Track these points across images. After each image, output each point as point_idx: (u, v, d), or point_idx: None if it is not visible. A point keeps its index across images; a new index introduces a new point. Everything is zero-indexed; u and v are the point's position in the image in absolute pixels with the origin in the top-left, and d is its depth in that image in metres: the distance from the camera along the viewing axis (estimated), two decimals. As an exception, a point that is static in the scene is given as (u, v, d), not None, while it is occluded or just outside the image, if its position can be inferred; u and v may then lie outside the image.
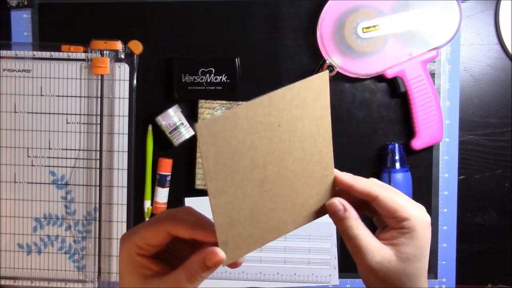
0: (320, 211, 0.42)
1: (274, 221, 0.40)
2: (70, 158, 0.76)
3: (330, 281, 0.76)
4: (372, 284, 0.39)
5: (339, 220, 0.39)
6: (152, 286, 0.37)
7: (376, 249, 0.38)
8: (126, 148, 0.75)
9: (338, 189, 0.42)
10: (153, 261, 0.38)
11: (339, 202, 0.40)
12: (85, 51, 0.74)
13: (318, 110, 0.40)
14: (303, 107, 0.39)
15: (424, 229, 0.39)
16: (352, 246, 0.39)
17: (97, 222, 0.76)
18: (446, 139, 0.74)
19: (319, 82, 0.40)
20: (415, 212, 0.39)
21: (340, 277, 0.76)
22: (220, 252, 0.36)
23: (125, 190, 0.76)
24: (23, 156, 0.76)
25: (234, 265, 0.38)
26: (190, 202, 0.76)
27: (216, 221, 0.37)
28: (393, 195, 0.39)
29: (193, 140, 0.74)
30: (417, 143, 0.71)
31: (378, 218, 0.42)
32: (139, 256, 0.38)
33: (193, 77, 0.73)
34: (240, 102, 0.73)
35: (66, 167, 0.76)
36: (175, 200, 0.76)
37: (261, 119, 0.37)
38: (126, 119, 0.75)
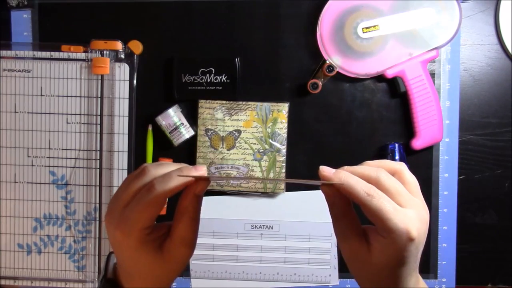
0: None
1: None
2: (70, 158, 0.76)
3: (330, 281, 0.76)
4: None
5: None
6: (168, 249, 0.39)
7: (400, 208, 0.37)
8: (126, 148, 0.75)
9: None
10: (155, 228, 0.40)
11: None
12: (85, 51, 0.74)
13: None
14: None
15: (403, 251, 0.37)
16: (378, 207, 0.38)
17: (97, 222, 0.76)
18: (446, 139, 0.74)
19: None
20: (399, 225, 0.36)
21: (340, 277, 0.76)
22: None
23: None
24: (23, 156, 0.76)
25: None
26: (190, 202, 0.76)
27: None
28: (380, 203, 0.37)
29: (193, 140, 0.74)
30: (417, 143, 0.71)
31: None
32: (148, 236, 0.39)
33: (193, 77, 0.73)
34: (240, 102, 0.73)
35: (66, 167, 0.76)
36: (175, 200, 0.76)
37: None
38: (126, 119, 0.75)
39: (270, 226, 0.76)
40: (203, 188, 0.39)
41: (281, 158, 0.73)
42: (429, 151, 0.74)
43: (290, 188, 0.75)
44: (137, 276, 0.40)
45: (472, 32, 0.74)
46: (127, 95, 0.75)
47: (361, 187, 0.37)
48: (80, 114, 0.75)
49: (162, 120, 0.73)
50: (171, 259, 0.40)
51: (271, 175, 0.73)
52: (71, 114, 0.75)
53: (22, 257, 0.77)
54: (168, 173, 0.38)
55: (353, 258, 0.39)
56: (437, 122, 0.71)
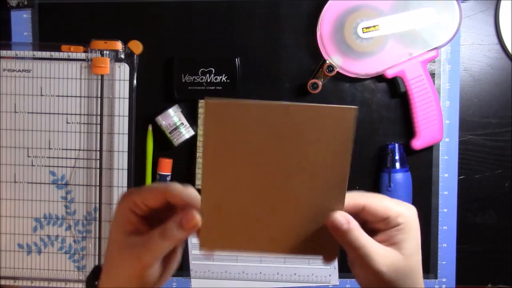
0: (315, 249, 0.39)
1: (263, 234, 0.38)
2: (70, 158, 0.76)
3: (330, 281, 0.76)
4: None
5: (344, 233, 0.38)
6: (131, 240, 0.39)
7: (382, 253, 0.38)
8: (126, 148, 0.75)
9: None
10: (142, 221, 0.40)
11: (341, 216, 0.38)
12: (85, 51, 0.74)
13: (337, 144, 0.37)
14: (321, 133, 0.36)
15: (416, 221, 0.40)
16: (359, 257, 0.38)
17: (97, 222, 0.76)
18: (446, 139, 0.74)
19: (343, 116, 0.36)
20: (403, 208, 0.40)
21: (340, 277, 0.76)
22: (197, 217, 0.37)
23: (125, 190, 0.76)
24: (23, 156, 0.76)
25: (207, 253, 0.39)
26: (190, 202, 0.76)
27: (204, 199, 0.36)
28: (378, 199, 0.40)
29: (193, 140, 0.74)
30: (417, 143, 0.71)
31: (364, 227, 0.41)
32: (131, 213, 0.39)
33: (193, 77, 0.73)
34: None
35: (66, 167, 0.76)
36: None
37: (272, 125, 0.35)
38: (126, 119, 0.75)
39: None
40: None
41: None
42: (429, 151, 0.74)
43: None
44: (112, 275, 0.41)
45: (472, 32, 0.74)
46: (127, 95, 0.75)
47: (356, 194, 0.41)
48: (80, 114, 0.75)
49: (162, 120, 0.73)
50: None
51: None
52: (71, 114, 0.75)
53: (22, 257, 0.77)
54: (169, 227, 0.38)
55: (392, 266, 0.39)
56: (437, 122, 0.71)
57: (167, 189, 0.38)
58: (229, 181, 0.37)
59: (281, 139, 0.36)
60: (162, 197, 0.38)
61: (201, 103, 0.73)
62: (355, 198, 0.40)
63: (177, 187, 0.38)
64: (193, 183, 0.74)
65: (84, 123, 0.75)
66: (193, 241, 0.77)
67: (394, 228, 0.39)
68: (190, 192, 0.38)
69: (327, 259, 0.40)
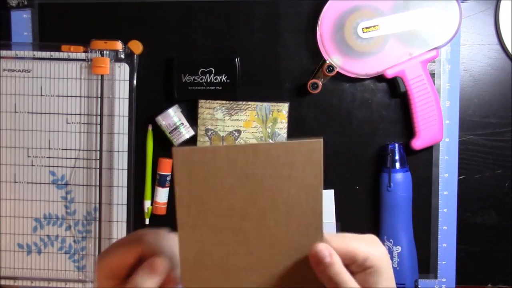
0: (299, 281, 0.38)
1: (247, 283, 0.37)
2: (70, 158, 0.76)
3: (330, 281, 0.76)
4: None
5: (326, 267, 0.36)
6: None
7: None
8: (126, 148, 0.75)
9: None
10: (123, 281, 0.38)
11: (325, 248, 0.36)
12: (85, 51, 0.74)
13: (308, 178, 0.37)
14: (291, 169, 0.36)
15: (384, 261, 0.38)
16: None
17: (97, 222, 0.76)
18: (446, 139, 0.74)
19: (311, 149, 0.36)
20: (370, 249, 0.38)
21: (340, 277, 0.76)
22: (161, 263, 0.36)
23: (125, 190, 0.76)
24: (23, 156, 0.76)
25: None
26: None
27: (182, 255, 0.36)
28: (345, 241, 0.38)
29: (193, 140, 0.74)
30: (417, 143, 0.71)
31: None
32: (111, 280, 0.38)
33: (193, 77, 0.73)
34: (240, 102, 0.73)
35: (66, 167, 0.76)
36: (175, 200, 0.76)
37: (243, 166, 0.36)
38: (126, 119, 0.75)
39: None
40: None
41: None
42: (429, 151, 0.74)
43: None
44: None
45: (472, 32, 0.74)
46: (127, 95, 0.75)
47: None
48: (80, 114, 0.75)
49: (162, 120, 0.73)
50: None
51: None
52: (71, 114, 0.75)
53: (22, 257, 0.77)
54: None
55: None
56: (437, 122, 0.71)
57: (140, 245, 0.38)
58: (205, 229, 0.36)
59: (253, 179, 0.36)
60: (137, 254, 0.38)
61: (201, 103, 0.73)
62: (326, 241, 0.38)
63: (149, 240, 0.38)
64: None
65: (84, 123, 0.75)
66: (193, 241, 0.77)
67: (365, 272, 0.38)
68: (162, 244, 0.38)
69: None
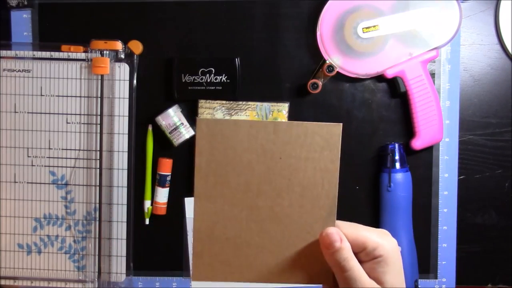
0: (310, 276, 0.38)
1: (258, 261, 0.38)
2: (70, 158, 0.76)
3: (330, 281, 0.76)
4: None
5: (335, 252, 0.38)
6: None
7: (367, 282, 0.38)
8: (126, 148, 0.75)
9: None
10: None
11: (336, 232, 0.38)
12: (85, 51, 0.74)
13: (325, 161, 0.37)
14: (309, 150, 0.37)
15: (394, 252, 0.39)
16: (345, 279, 0.38)
17: (97, 222, 0.76)
18: (446, 139, 0.74)
19: (330, 132, 0.37)
20: (381, 240, 0.39)
21: (340, 277, 0.76)
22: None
23: (125, 190, 0.76)
24: (23, 156, 0.76)
25: None
26: (190, 202, 0.76)
27: (196, 226, 0.36)
28: (357, 230, 0.39)
29: (193, 140, 0.74)
30: (417, 143, 0.71)
31: None
32: None
33: (193, 77, 0.73)
34: (240, 102, 0.73)
35: (66, 167, 0.76)
36: (175, 200, 0.76)
37: (263, 143, 0.36)
38: (126, 119, 0.75)
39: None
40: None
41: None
42: (429, 151, 0.74)
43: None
44: None
45: (472, 32, 0.74)
46: (127, 95, 0.75)
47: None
48: (80, 114, 0.75)
49: (162, 120, 0.73)
50: None
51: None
52: (71, 114, 0.75)
53: (22, 257, 0.77)
54: None
55: None
56: (437, 122, 0.71)
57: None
58: (221, 202, 0.37)
59: (271, 157, 0.37)
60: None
61: (201, 103, 0.73)
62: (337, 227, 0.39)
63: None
64: (193, 184, 0.74)
65: (84, 123, 0.75)
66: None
67: (374, 261, 0.38)
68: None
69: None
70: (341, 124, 0.37)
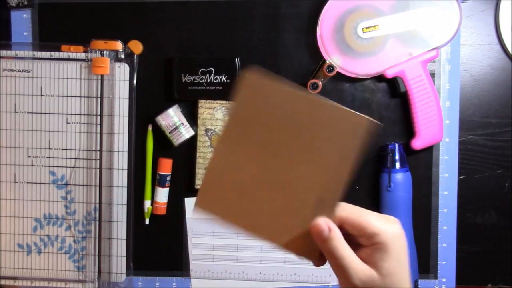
0: (298, 249, 0.40)
1: (255, 213, 0.39)
2: (70, 158, 0.76)
3: (330, 281, 0.76)
4: None
5: (324, 241, 0.39)
6: None
7: (360, 269, 0.38)
8: (126, 148, 0.75)
9: None
10: None
11: (324, 222, 0.39)
12: (85, 51, 0.74)
13: (344, 148, 0.39)
14: (333, 133, 0.39)
15: (396, 241, 0.39)
16: (337, 266, 0.39)
17: (97, 222, 0.76)
18: (446, 139, 0.74)
19: (357, 122, 0.39)
20: (383, 227, 0.39)
21: (340, 277, 0.76)
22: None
23: (125, 190, 0.76)
24: (23, 156, 0.76)
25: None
26: (190, 202, 0.76)
27: (211, 164, 0.39)
28: (360, 214, 0.40)
29: (193, 140, 0.74)
30: (417, 143, 0.71)
31: (350, 239, 0.41)
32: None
33: (193, 77, 0.73)
34: (240, 102, 0.73)
35: (66, 167, 0.76)
36: (175, 200, 0.76)
37: (293, 112, 0.38)
38: (126, 119, 0.75)
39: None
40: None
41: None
42: (429, 151, 0.74)
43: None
44: None
45: (472, 32, 0.74)
46: (127, 95, 0.75)
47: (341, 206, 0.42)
48: (80, 114, 0.75)
49: (162, 120, 0.73)
50: None
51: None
52: (71, 114, 0.75)
53: (22, 257, 0.77)
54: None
55: (367, 284, 0.39)
56: (437, 122, 0.71)
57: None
58: (239, 152, 0.39)
59: (298, 128, 0.38)
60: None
61: (201, 103, 0.73)
62: (338, 209, 0.40)
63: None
64: (193, 183, 0.74)
65: (84, 123, 0.75)
66: (193, 241, 0.77)
67: (373, 246, 0.39)
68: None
69: (314, 263, 0.41)
70: (373, 121, 0.39)
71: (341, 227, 0.40)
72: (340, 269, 0.39)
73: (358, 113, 0.39)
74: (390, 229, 0.39)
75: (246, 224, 0.39)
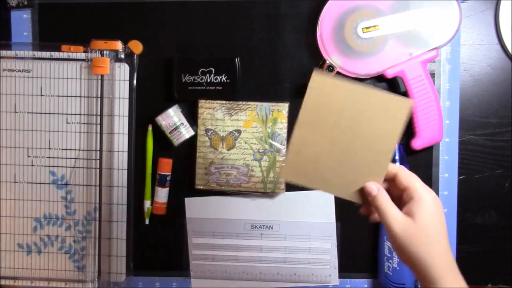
0: (357, 198, 0.53)
1: (327, 177, 0.53)
2: (70, 158, 0.76)
3: (330, 281, 0.76)
4: (398, 249, 0.48)
5: (373, 198, 0.50)
6: None
7: (399, 219, 0.47)
8: (126, 148, 0.75)
9: None
10: None
11: (374, 184, 0.50)
12: (85, 51, 0.74)
13: (390, 125, 0.51)
14: (383, 113, 0.51)
15: (431, 199, 0.48)
16: (381, 217, 0.49)
17: (97, 222, 0.76)
18: (446, 139, 0.74)
19: (401, 104, 0.51)
20: (421, 188, 0.48)
21: (340, 277, 0.76)
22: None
23: (125, 190, 0.76)
24: (23, 156, 0.76)
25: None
26: (190, 202, 0.76)
27: (293, 141, 0.52)
28: (407, 174, 0.50)
29: (193, 140, 0.74)
30: (417, 143, 0.71)
31: (397, 199, 0.50)
32: None
33: (193, 77, 0.73)
34: (240, 102, 0.73)
35: (66, 167, 0.76)
36: (175, 200, 0.76)
37: (353, 101, 0.51)
38: (126, 119, 0.75)
39: (270, 226, 0.76)
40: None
41: (281, 158, 0.73)
42: (429, 151, 0.74)
43: (290, 188, 0.75)
44: None
45: (472, 32, 0.74)
46: (127, 95, 0.75)
47: (398, 167, 0.52)
48: (80, 114, 0.75)
49: (162, 120, 0.73)
50: None
51: (271, 175, 0.73)
52: (71, 114, 0.75)
53: (22, 257, 0.77)
54: None
55: (405, 231, 0.47)
56: (437, 122, 0.71)
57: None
58: (314, 131, 0.52)
59: (356, 111, 0.51)
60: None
61: (201, 103, 0.73)
62: (392, 166, 0.51)
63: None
64: (193, 184, 0.74)
65: (84, 123, 0.75)
66: (193, 241, 0.77)
67: (411, 201, 0.48)
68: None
69: (365, 210, 0.53)
70: (412, 101, 0.51)
71: (392, 184, 0.51)
72: (384, 220, 0.48)
73: (402, 97, 0.51)
74: (427, 190, 0.48)
75: (321, 184, 0.53)
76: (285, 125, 0.73)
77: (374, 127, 0.51)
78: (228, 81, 0.73)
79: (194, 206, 0.76)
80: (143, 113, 0.75)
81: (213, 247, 0.77)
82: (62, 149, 0.76)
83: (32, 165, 0.76)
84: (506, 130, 0.74)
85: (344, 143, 0.52)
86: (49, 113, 0.76)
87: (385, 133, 0.51)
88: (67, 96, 0.75)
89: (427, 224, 0.46)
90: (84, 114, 0.75)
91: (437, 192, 0.74)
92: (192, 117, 0.74)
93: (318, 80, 0.52)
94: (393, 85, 0.73)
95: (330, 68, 0.70)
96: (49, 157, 0.76)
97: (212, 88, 0.73)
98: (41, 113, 0.76)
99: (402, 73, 0.70)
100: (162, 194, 0.75)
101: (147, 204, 0.76)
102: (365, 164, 0.52)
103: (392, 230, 0.47)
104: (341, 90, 0.51)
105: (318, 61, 0.72)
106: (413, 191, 0.48)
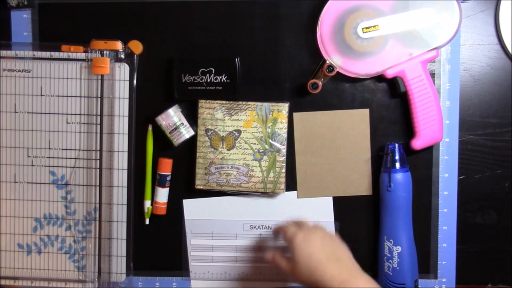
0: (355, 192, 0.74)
1: (331, 185, 0.73)
2: (70, 158, 0.76)
3: (330, 281, 0.76)
4: (304, 284, 0.62)
5: (272, 261, 0.66)
6: None
7: (287, 266, 0.64)
8: (126, 148, 0.75)
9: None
10: None
11: (269, 254, 0.67)
12: (85, 51, 0.74)
13: (359, 135, 0.73)
14: (350, 127, 0.73)
15: (300, 243, 0.61)
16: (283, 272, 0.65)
17: (97, 222, 0.76)
18: (446, 139, 0.74)
19: (362, 114, 0.73)
20: (291, 236, 0.63)
21: (340, 277, 0.76)
22: None
23: (125, 190, 0.76)
24: (23, 156, 0.76)
25: None
26: (189, 203, 0.76)
27: (298, 168, 0.73)
28: (284, 229, 0.65)
29: (193, 140, 0.74)
30: (417, 143, 0.71)
31: None
32: None
33: (193, 77, 0.73)
34: (240, 102, 0.73)
35: (66, 167, 0.76)
36: (175, 200, 0.76)
37: (329, 123, 0.72)
38: (126, 119, 0.75)
39: (269, 226, 0.76)
40: None
41: (281, 158, 0.73)
42: (429, 151, 0.74)
43: (290, 188, 0.75)
44: None
45: (472, 32, 0.74)
46: (127, 95, 0.75)
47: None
48: (80, 114, 0.75)
49: (162, 120, 0.73)
50: None
51: (271, 175, 0.73)
52: (71, 114, 0.75)
53: (22, 257, 0.77)
54: None
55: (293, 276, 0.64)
56: (437, 122, 0.70)
57: None
58: (309, 156, 0.72)
59: (333, 131, 0.72)
60: None
61: (201, 103, 0.73)
62: (274, 227, 0.71)
63: None
64: (193, 184, 0.74)
65: (84, 123, 0.75)
66: (192, 242, 0.77)
67: (290, 249, 0.63)
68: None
69: None
70: (367, 109, 0.73)
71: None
72: (284, 273, 0.64)
73: (360, 109, 0.72)
74: (293, 234, 0.63)
75: (324, 192, 0.73)
76: (285, 125, 0.73)
77: (350, 138, 0.72)
78: (228, 81, 0.73)
79: (193, 207, 0.76)
80: (143, 113, 0.75)
81: (212, 248, 0.77)
82: (62, 149, 0.76)
83: (32, 165, 0.76)
84: (506, 130, 0.74)
85: (333, 156, 0.72)
86: (49, 113, 0.76)
87: (359, 139, 0.72)
88: (67, 96, 0.75)
89: (302, 262, 0.60)
90: (84, 114, 0.75)
91: (437, 192, 0.74)
92: (192, 117, 0.74)
93: (300, 117, 0.72)
94: (393, 85, 0.73)
95: (330, 68, 0.70)
96: (49, 157, 0.76)
97: (212, 88, 0.73)
98: (41, 113, 0.76)
99: (402, 73, 0.70)
100: (162, 194, 0.75)
101: (147, 204, 0.76)
102: (352, 165, 0.72)
103: (290, 278, 0.69)
104: (316, 119, 0.72)
105: (318, 61, 0.72)
106: (289, 243, 0.63)
